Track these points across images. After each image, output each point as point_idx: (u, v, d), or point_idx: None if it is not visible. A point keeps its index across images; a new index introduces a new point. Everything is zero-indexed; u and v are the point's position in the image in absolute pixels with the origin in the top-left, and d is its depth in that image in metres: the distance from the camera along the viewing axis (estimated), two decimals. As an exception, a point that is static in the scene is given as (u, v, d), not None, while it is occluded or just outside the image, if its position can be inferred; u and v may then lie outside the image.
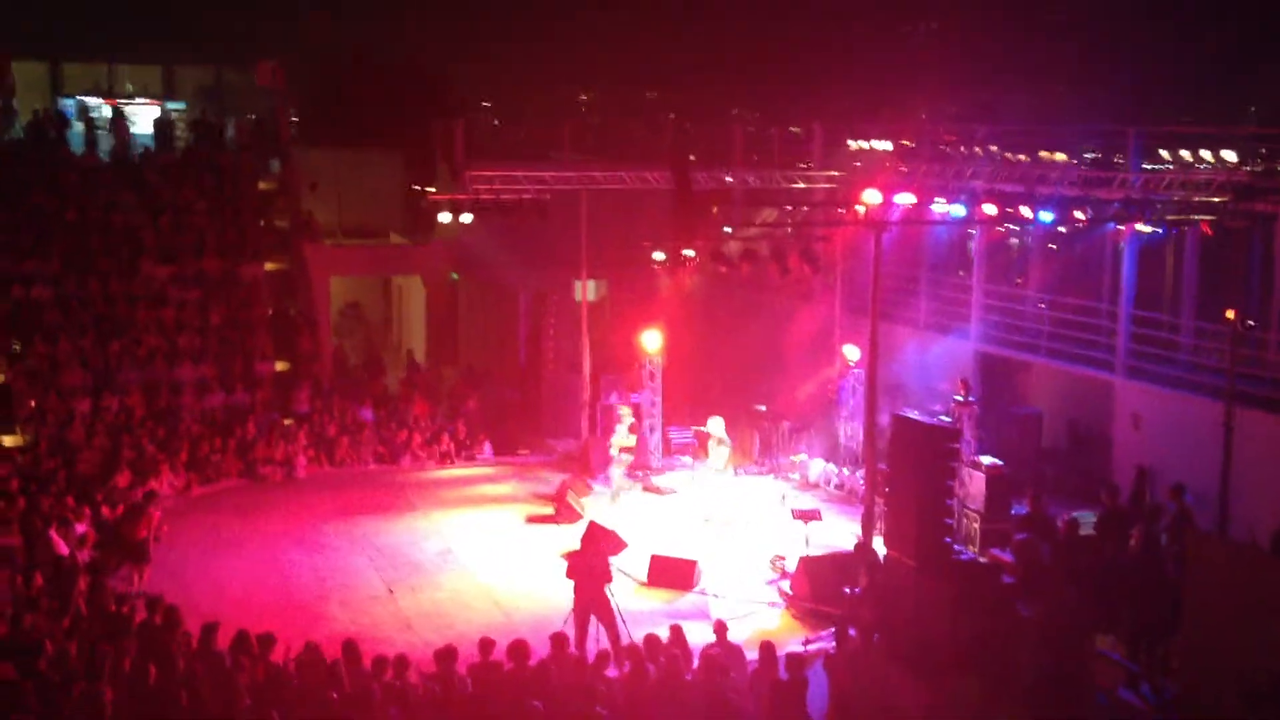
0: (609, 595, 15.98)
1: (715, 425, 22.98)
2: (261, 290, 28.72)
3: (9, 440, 23.32)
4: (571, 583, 16.21)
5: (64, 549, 17.24)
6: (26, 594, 15.89)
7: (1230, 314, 18.52)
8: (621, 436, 23.70)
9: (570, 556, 16.91)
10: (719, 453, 23.10)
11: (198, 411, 25.40)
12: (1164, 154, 27.64)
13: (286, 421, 25.38)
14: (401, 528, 21.54)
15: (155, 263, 27.90)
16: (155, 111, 35.89)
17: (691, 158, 30.80)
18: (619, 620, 15.91)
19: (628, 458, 23.94)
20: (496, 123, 41.79)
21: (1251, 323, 18.70)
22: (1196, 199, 19.85)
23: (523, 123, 38.36)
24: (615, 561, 17.79)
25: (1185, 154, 27.96)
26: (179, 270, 28.02)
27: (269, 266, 29.47)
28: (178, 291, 27.63)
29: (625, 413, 23.95)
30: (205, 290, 27.87)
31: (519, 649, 13.53)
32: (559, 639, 14.06)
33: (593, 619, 15.97)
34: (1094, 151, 28.10)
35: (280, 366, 27.40)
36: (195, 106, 37.01)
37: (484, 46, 44.52)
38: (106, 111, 35.32)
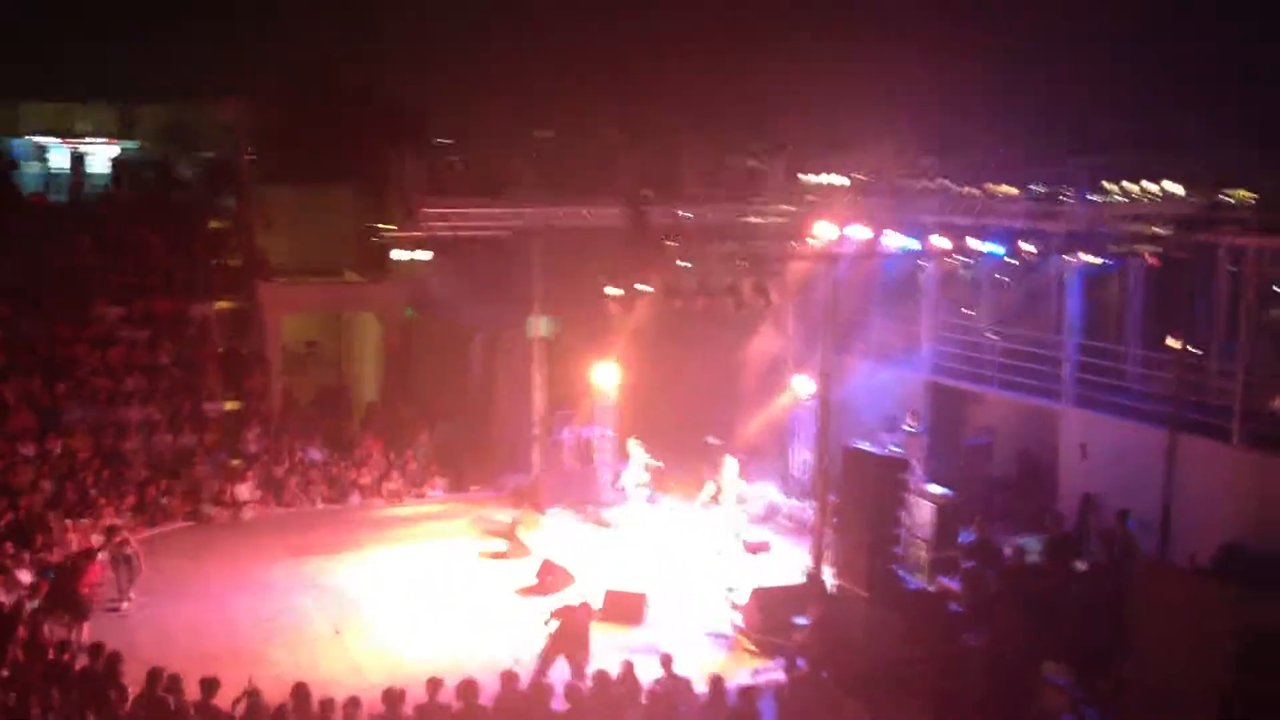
0: (588, 639, 15.99)
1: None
2: (212, 329, 28.52)
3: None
4: (553, 623, 16.19)
5: (2, 597, 16.99)
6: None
7: (1173, 342, 18.73)
8: (636, 473, 23.56)
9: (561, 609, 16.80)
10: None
11: (145, 453, 25.13)
12: (1109, 186, 27.89)
13: (235, 462, 25.14)
14: (350, 568, 21.33)
15: (107, 303, 27.67)
16: (112, 151, 35.77)
17: (645, 192, 30.85)
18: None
19: (645, 491, 23.88)
20: (453, 159, 41.72)
21: (1196, 350, 18.92)
22: (1141, 230, 20.06)
23: (478, 158, 38.30)
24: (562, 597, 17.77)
25: (1130, 186, 28.23)
26: (129, 310, 27.79)
27: (221, 305, 29.28)
28: (128, 331, 27.40)
29: (635, 448, 23.84)
30: (155, 330, 27.65)
31: (468, 688, 13.52)
32: (509, 677, 14.01)
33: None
34: (1042, 184, 28.34)
35: (230, 406, 27.17)
36: (151, 146, 36.85)
37: (440, 82, 44.53)
38: (63, 151, 35.17)
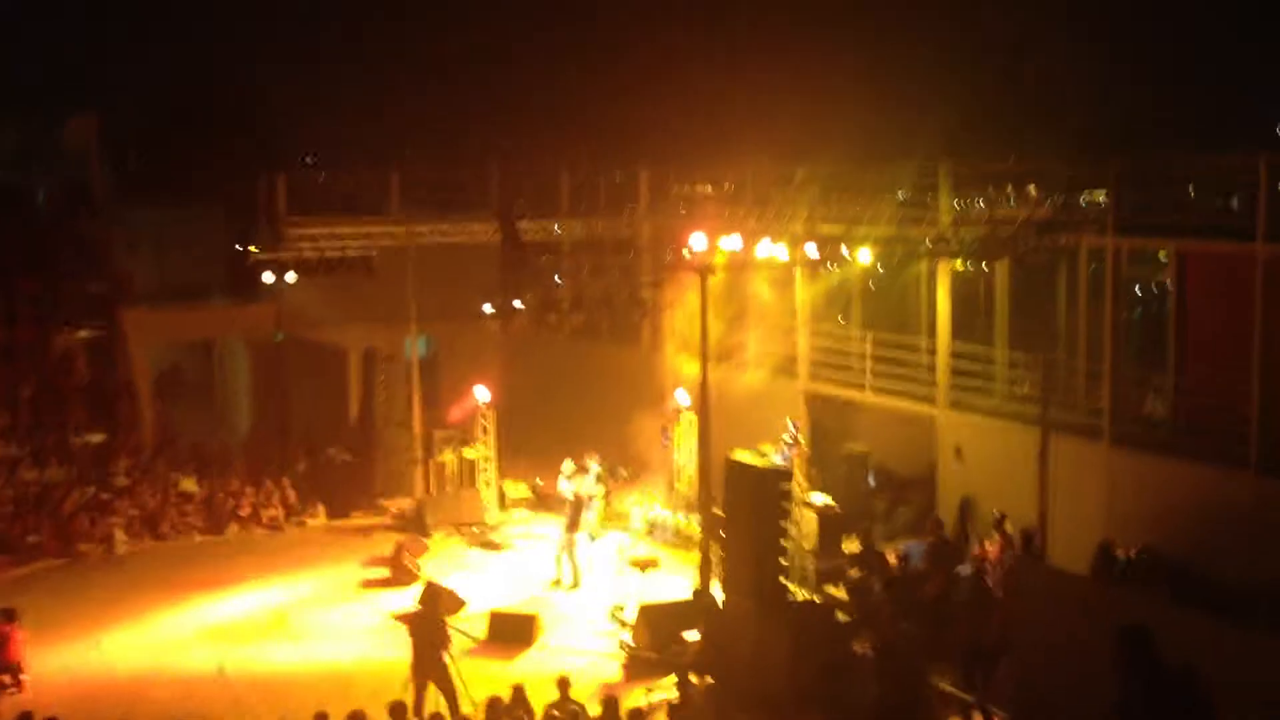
0: (447, 659, 15.72)
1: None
2: (76, 358, 27.70)
3: None
4: (409, 646, 15.90)
5: None
6: None
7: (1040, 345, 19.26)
8: (590, 485, 22.95)
9: (406, 619, 16.52)
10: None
11: (10, 489, 24.24)
12: (971, 190, 28.49)
13: (104, 496, 24.38)
14: (231, 601, 20.84)
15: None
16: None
17: (519, 202, 30.74)
18: (457, 684, 15.64)
19: (598, 503, 23.36)
20: (322, 178, 41.14)
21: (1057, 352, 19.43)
22: (1004, 234, 20.54)
23: (348, 176, 37.81)
24: (453, 621, 17.52)
25: (991, 190, 28.84)
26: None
27: (83, 333, 28.41)
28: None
29: (591, 462, 23.28)
30: (15, 361, 26.74)
31: (356, 721, 13.30)
32: (398, 708, 13.84)
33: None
34: (906, 190, 28.83)
35: (97, 438, 26.37)
36: (2, 169, 35.60)
37: (307, 100, 43.94)
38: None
